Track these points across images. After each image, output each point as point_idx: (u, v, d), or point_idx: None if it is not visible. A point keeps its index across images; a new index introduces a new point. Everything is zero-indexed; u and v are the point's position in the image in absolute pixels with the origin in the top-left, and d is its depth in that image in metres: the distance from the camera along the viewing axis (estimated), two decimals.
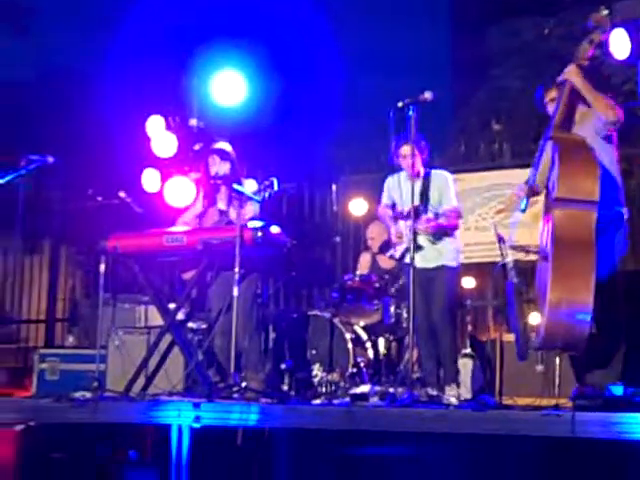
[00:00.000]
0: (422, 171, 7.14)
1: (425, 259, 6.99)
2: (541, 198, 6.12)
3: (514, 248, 6.20)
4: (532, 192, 6.01)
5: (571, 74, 5.94)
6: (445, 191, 7.04)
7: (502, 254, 6.36)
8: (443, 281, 7.03)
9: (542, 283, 5.72)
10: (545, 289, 5.52)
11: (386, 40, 8.96)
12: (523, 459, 5.15)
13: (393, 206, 7.05)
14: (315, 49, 8.91)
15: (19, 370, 8.81)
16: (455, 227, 7.11)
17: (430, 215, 6.85)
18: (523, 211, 6.06)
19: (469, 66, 9.25)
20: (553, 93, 6.21)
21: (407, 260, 6.83)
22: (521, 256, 6.20)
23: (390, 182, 6.72)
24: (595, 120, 5.86)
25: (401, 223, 6.85)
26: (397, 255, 6.36)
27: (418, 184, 7.07)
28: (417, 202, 6.92)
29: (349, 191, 9.61)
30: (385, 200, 7.07)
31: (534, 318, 5.90)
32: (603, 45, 6.10)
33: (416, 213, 6.80)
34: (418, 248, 6.85)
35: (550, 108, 6.18)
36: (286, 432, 5.59)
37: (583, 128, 5.90)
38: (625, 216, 5.78)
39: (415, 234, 6.84)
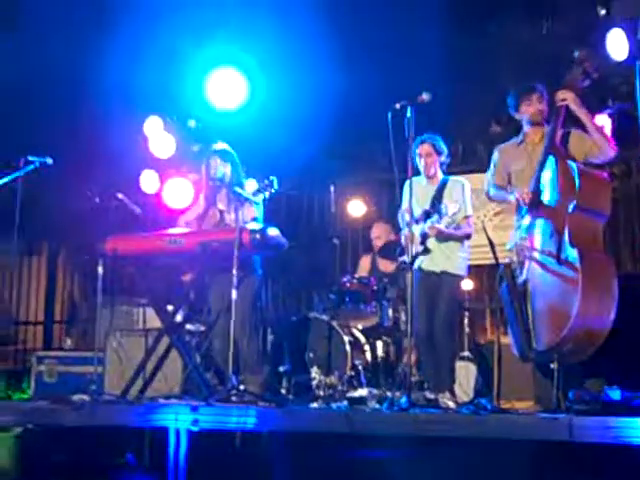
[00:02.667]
0: (439, 175, 7.14)
1: (433, 262, 6.99)
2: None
3: (518, 250, 6.21)
4: (534, 199, 6.04)
5: (570, 102, 6.06)
6: (459, 199, 7.01)
7: (495, 257, 6.38)
8: (448, 288, 7.02)
9: (549, 287, 5.78)
10: (557, 294, 5.64)
11: (384, 40, 8.88)
12: (520, 463, 5.14)
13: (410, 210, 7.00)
14: (314, 49, 8.87)
15: (17, 372, 8.79)
16: (467, 236, 7.09)
17: (442, 221, 6.81)
18: (523, 216, 6.12)
19: (468, 67, 9.21)
20: (531, 96, 6.31)
21: (416, 265, 6.86)
22: (521, 258, 6.20)
23: (407, 185, 6.72)
24: (589, 149, 6.12)
25: (414, 227, 6.83)
26: (409, 259, 6.33)
27: (433, 188, 7.08)
28: (429, 206, 6.93)
29: (347, 193, 9.60)
30: (404, 204, 7.03)
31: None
32: (593, 75, 6.21)
33: (427, 217, 6.82)
34: (426, 251, 6.86)
35: (523, 110, 6.29)
36: (284, 435, 5.57)
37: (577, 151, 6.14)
38: None
39: (424, 237, 6.86)
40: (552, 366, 5.73)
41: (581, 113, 6.12)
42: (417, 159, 7.02)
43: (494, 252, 6.56)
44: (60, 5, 8.68)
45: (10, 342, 9.90)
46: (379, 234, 8.41)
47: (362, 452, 5.40)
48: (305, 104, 8.98)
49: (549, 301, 5.81)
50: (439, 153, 7.12)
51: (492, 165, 6.64)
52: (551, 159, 6.03)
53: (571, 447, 4.99)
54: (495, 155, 6.64)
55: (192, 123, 9.73)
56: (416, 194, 6.89)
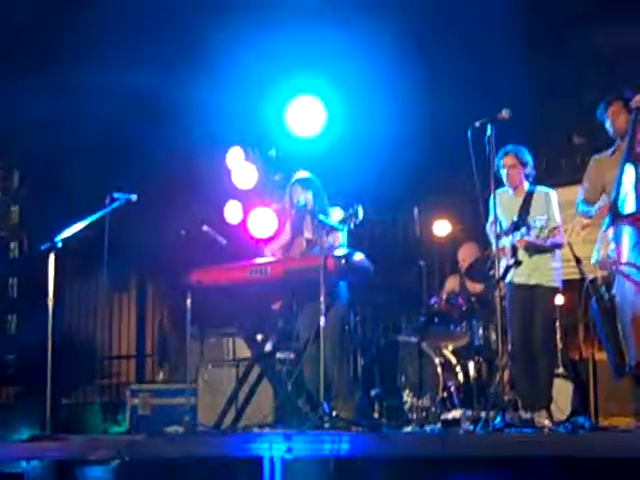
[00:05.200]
0: (525, 185, 7.05)
1: (525, 275, 6.88)
2: None
3: (602, 265, 6.10)
4: (615, 210, 5.92)
5: None
6: (547, 208, 6.92)
7: (581, 272, 6.28)
8: (543, 301, 6.90)
9: (634, 299, 5.65)
10: None
11: (463, 59, 8.84)
12: None
13: (497, 222, 6.89)
14: (392, 75, 8.87)
15: (112, 406, 8.91)
16: (558, 245, 6.97)
17: (532, 233, 6.72)
18: (605, 230, 6.00)
19: (546, 80, 9.12)
20: (615, 107, 6.19)
21: (508, 279, 6.78)
22: (607, 271, 6.08)
23: (492, 198, 6.65)
24: None
25: (504, 240, 6.75)
26: (501, 273, 6.26)
27: (519, 199, 7.00)
28: (516, 218, 6.83)
29: (432, 214, 9.55)
30: (490, 217, 6.96)
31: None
32: None
33: (515, 228, 6.72)
34: (518, 263, 6.75)
35: (610, 122, 6.18)
36: (379, 461, 5.52)
37: None
38: None
39: (515, 249, 6.76)
40: None
41: None
42: (501, 171, 6.93)
43: (580, 267, 6.48)
44: (145, 38, 8.83)
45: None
46: (466, 255, 8.34)
47: (458, 475, 5.32)
48: (384, 127, 8.97)
49: (635, 314, 5.67)
50: (524, 164, 7.00)
51: (584, 178, 6.53)
52: (631, 166, 5.89)
53: None
54: (589, 166, 6.52)
55: (273, 152, 9.79)
56: (502, 205, 6.82)
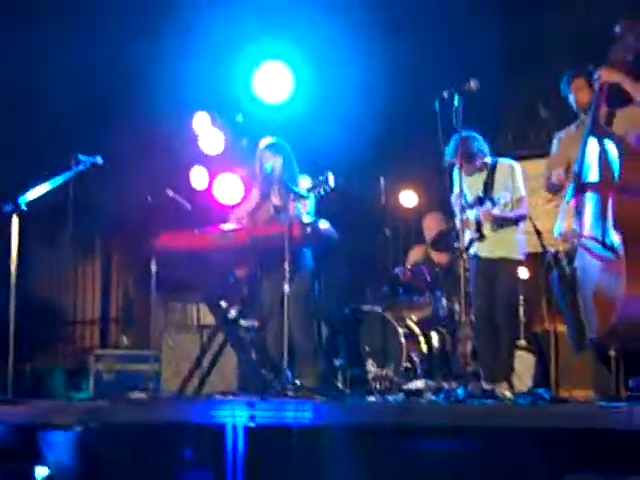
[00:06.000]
0: (487, 160, 7.07)
1: (489, 249, 6.94)
2: None
3: (564, 238, 6.14)
4: (578, 182, 5.95)
5: (607, 76, 5.94)
6: (511, 180, 6.96)
7: (543, 245, 6.33)
8: (507, 273, 6.97)
9: (595, 273, 5.68)
10: (604, 280, 5.53)
11: (431, 28, 8.83)
12: (580, 452, 5.07)
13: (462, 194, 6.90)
14: (360, 41, 8.84)
15: (76, 371, 8.88)
16: (522, 217, 7.01)
17: (496, 208, 6.76)
18: (568, 201, 6.02)
19: (515, 51, 9.14)
20: (578, 82, 6.22)
21: (472, 251, 6.83)
22: (568, 245, 6.12)
23: (457, 170, 6.68)
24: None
25: (468, 212, 6.79)
26: (464, 245, 6.31)
27: (483, 174, 7.03)
28: (481, 191, 6.88)
29: (398, 184, 9.56)
30: (455, 189, 6.98)
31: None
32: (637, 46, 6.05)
33: (480, 203, 6.76)
34: (482, 237, 6.81)
35: (573, 97, 6.21)
36: (341, 429, 5.56)
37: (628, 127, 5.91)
38: None
39: (479, 224, 6.81)
40: (610, 354, 5.67)
41: (628, 87, 5.91)
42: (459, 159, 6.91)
43: (541, 240, 6.52)
44: (113, 2, 8.74)
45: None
46: (431, 225, 8.36)
47: (419, 444, 5.37)
48: (352, 96, 8.95)
49: (597, 288, 5.68)
50: (479, 153, 7.05)
51: (551, 153, 6.55)
52: (594, 139, 5.90)
53: (631, 435, 4.93)
54: (554, 143, 6.55)
55: (240, 118, 9.74)
56: (466, 179, 6.85)
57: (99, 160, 7.05)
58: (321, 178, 6.60)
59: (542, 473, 5.10)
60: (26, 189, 6.69)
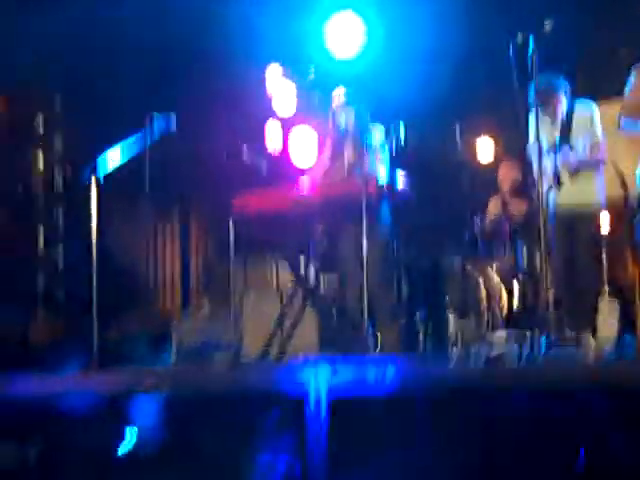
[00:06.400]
0: (564, 105, 6.93)
1: (568, 196, 6.81)
2: None
3: None
4: None
5: None
6: (589, 124, 6.81)
7: (625, 189, 6.20)
8: (587, 220, 6.85)
9: None
10: None
11: None
12: None
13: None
14: None
15: (158, 337, 8.99)
16: (600, 162, 6.86)
17: (574, 152, 6.64)
18: None
19: None
20: None
21: (551, 198, 6.72)
22: None
23: (533, 117, 6.55)
24: None
25: (545, 160, 6.67)
26: (541, 195, 6.23)
27: (560, 119, 6.89)
28: (558, 137, 6.75)
29: (474, 132, 9.44)
30: (531, 137, 6.86)
31: None
32: None
33: (556, 149, 6.65)
34: (560, 185, 6.69)
35: None
36: (424, 391, 5.52)
37: None
38: None
39: (557, 171, 6.68)
40: None
41: None
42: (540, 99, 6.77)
43: (623, 183, 6.38)
44: None
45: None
46: (506, 174, 8.27)
47: (502, 408, 5.31)
48: (424, 46, 8.84)
49: None
50: (561, 90, 6.90)
51: (628, 91, 6.37)
52: None
53: None
54: (631, 78, 6.35)
55: (312, 73, 9.68)
56: (544, 125, 6.70)
57: (173, 118, 7.06)
58: (393, 128, 6.55)
59: (630, 433, 4.98)
60: (103, 151, 6.73)
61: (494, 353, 6.46)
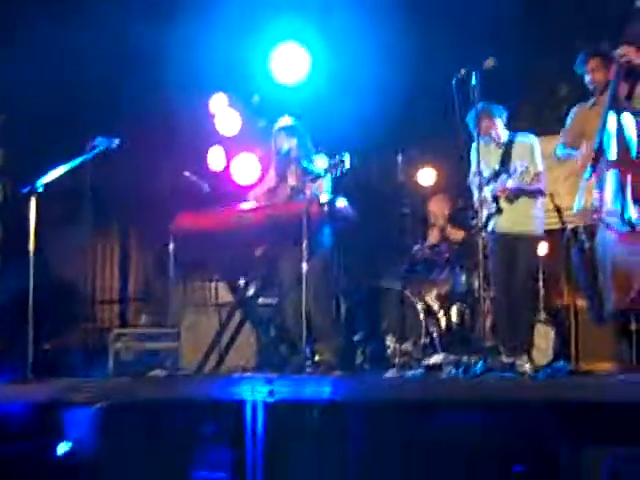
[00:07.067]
0: (505, 135, 7.05)
1: (507, 223, 6.91)
2: None
3: (583, 213, 6.13)
4: (599, 157, 5.93)
5: (631, 57, 5.89)
6: (529, 155, 6.93)
7: (562, 221, 6.30)
8: (526, 248, 6.94)
9: (615, 248, 5.69)
10: (623, 255, 5.57)
11: (447, 5, 8.79)
12: (600, 426, 5.05)
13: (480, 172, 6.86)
14: (376, 20, 8.81)
15: (95, 350, 8.92)
16: (539, 192, 6.97)
17: (511, 180, 6.75)
18: (587, 178, 6.00)
19: (532, 30, 9.09)
20: (593, 63, 6.19)
21: (490, 227, 6.81)
22: (588, 221, 6.11)
23: (474, 147, 6.65)
24: None
25: (485, 190, 6.76)
26: (480, 223, 6.31)
27: (499, 149, 7.01)
28: (498, 166, 6.86)
29: (416, 162, 9.55)
30: (472, 167, 6.96)
31: None
32: None
33: (496, 176, 6.76)
34: (499, 211, 6.80)
35: (589, 77, 6.18)
36: (361, 405, 5.55)
37: None
38: None
39: (496, 199, 6.79)
40: (631, 327, 5.65)
41: None
42: (481, 129, 6.86)
43: (561, 217, 6.49)
44: None
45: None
46: (435, 210, 8.45)
47: (438, 420, 5.36)
48: (368, 76, 8.92)
49: (616, 263, 5.70)
50: (497, 116, 7.03)
51: (566, 124, 6.53)
52: (613, 115, 5.88)
53: None
54: (570, 114, 6.52)
55: (256, 99, 9.75)
56: (484, 155, 6.82)
57: (115, 142, 7.05)
58: (337, 157, 6.60)
59: (562, 447, 5.08)
60: (44, 172, 6.70)
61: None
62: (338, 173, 6.64)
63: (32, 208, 6.54)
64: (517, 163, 6.67)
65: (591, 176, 5.96)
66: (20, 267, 6.64)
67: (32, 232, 6.51)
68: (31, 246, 6.50)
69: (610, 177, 5.82)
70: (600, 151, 5.90)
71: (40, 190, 6.56)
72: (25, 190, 6.56)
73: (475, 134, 6.55)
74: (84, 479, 5.68)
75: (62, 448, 5.80)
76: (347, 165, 6.56)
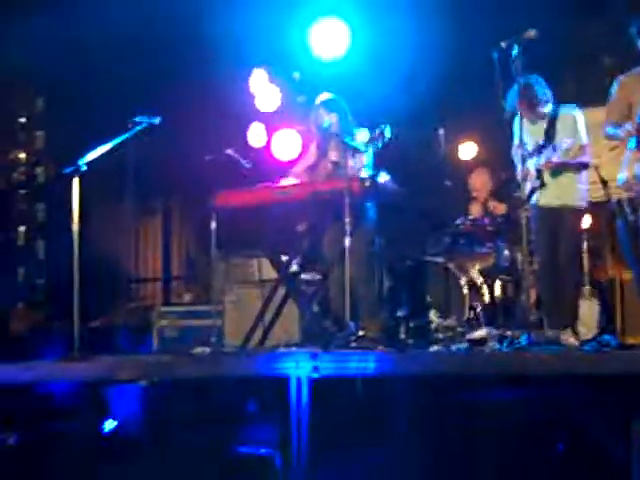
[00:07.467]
0: (548, 108, 6.96)
1: (551, 197, 6.85)
2: None
3: (627, 186, 6.06)
4: None
5: None
6: (573, 129, 6.85)
7: (607, 194, 6.24)
8: (570, 221, 6.87)
9: None
10: None
11: None
12: None
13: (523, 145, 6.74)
14: None
15: (139, 328, 8.99)
16: (584, 164, 6.89)
17: (556, 155, 6.68)
18: (631, 150, 5.92)
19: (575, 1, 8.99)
20: None
21: (533, 200, 6.76)
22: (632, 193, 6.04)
23: (517, 120, 6.58)
24: None
25: (528, 162, 6.70)
26: (523, 196, 6.26)
27: (544, 122, 6.93)
28: (541, 140, 6.79)
29: (457, 135, 9.49)
30: (515, 140, 6.90)
31: None
32: None
33: (540, 151, 6.69)
34: (542, 185, 6.74)
35: None
36: (405, 379, 5.55)
37: None
38: None
39: (539, 172, 6.73)
40: None
41: None
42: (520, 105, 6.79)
43: (606, 189, 6.42)
44: None
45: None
46: (478, 186, 8.41)
47: (482, 394, 5.34)
48: (408, 49, 8.87)
49: None
50: (543, 98, 6.93)
51: (610, 100, 6.43)
52: None
53: None
54: (614, 88, 6.42)
55: (296, 75, 9.73)
56: (528, 128, 6.75)
57: (157, 121, 7.06)
58: (377, 131, 6.57)
59: (608, 420, 5.04)
60: (86, 151, 6.73)
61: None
62: (379, 145, 6.61)
63: (75, 188, 6.56)
64: (562, 138, 6.58)
65: (636, 147, 5.88)
66: (65, 247, 6.69)
67: (76, 212, 6.54)
68: (75, 226, 6.53)
69: None
70: None
71: (83, 170, 6.58)
72: (68, 170, 6.58)
73: (518, 108, 6.48)
74: (130, 456, 5.73)
75: (108, 425, 5.86)
76: (387, 136, 6.52)
